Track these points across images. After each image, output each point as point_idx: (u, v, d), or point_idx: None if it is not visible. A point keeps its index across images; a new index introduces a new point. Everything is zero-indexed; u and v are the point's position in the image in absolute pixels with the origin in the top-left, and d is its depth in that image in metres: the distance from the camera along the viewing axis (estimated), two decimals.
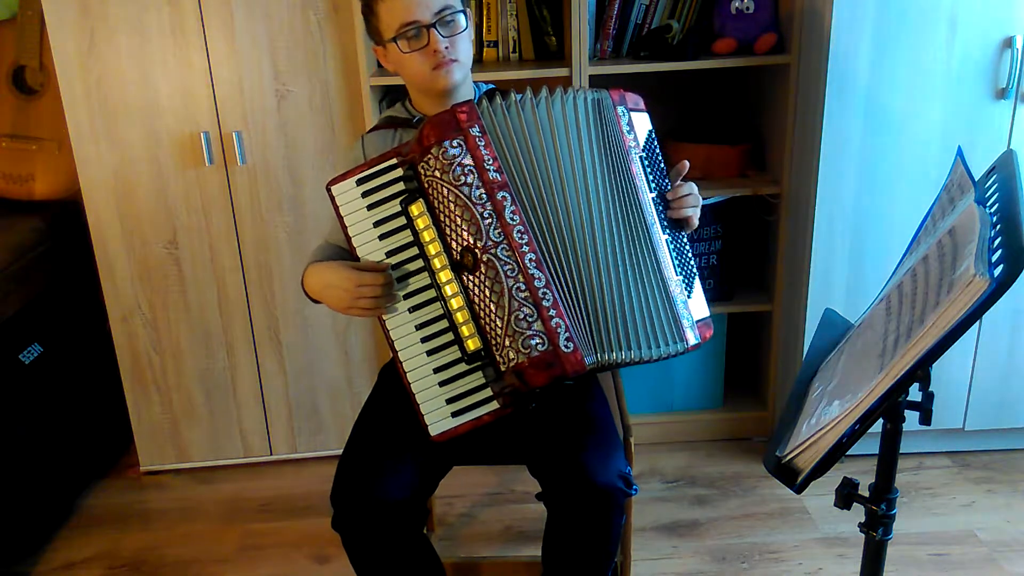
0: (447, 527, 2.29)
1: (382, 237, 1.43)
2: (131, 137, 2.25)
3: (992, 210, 1.08)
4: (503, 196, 1.38)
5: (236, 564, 2.20)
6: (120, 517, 2.40)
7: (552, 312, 1.37)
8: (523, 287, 1.37)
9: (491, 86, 1.69)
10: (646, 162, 1.50)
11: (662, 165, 1.54)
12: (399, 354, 1.43)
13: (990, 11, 2.03)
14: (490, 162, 1.39)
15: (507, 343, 1.36)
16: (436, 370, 1.43)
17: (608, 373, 1.92)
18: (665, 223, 1.50)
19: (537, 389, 1.37)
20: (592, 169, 1.44)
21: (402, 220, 1.42)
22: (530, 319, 1.36)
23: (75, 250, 2.52)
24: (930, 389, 1.12)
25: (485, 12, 2.35)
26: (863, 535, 1.23)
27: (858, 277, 2.26)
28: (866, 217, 2.21)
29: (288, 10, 2.18)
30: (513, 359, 1.36)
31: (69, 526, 2.36)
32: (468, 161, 1.38)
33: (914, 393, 1.13)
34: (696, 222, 1.55)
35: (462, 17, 1.52)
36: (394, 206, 1.42)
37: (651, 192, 1.49)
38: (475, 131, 1.39)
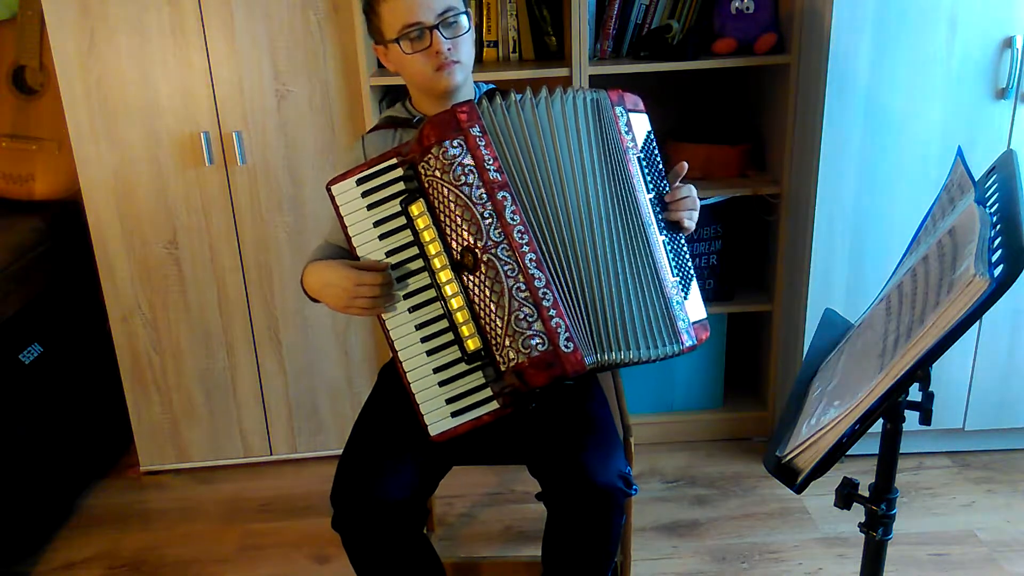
0: (447, 527, 2.29)
1: (382, 237, 1.43)
2: (131, 137, 2.25)
3: (992, 210, 1.08)
4: (503, 196, 1.38)
5: (236, 564, 2.20)
6: (120, 517, 2.40)
7: (552, 312, 1.37)
8: (523, 287, 1.37)
9: (491, 86, 1.69)
10: (644, 163, 1.50)
11: (660, 166, 1.54)
12: (399, 354, 1.43)
13: (990, 11, 2.03)
14: (490, 162, 1.39)
15: (507, 343, 1.36)
16: (436, 370, 1.43)
17: (608, 373, 1.92)
18: (662, 224, 1.50)
19: (537, 389, 1.37)
20: (591, 169, 1.44)
21: (402, 220, 1.42)
22: (530, 319, 1.36)
23: (75, 250, 2.52)
24: (930, 389, 1.12)
25: (485, 12, 2.35)
26: (863, 535, 1.23)
27: (858, 277, 2.26)
28: (866, 217, 2.21)
29: (288, 10, 2.18)
30: (513, 359, 1.36)
31: (69, 526, 2.36)
32: (468, 161, 1.38)
33: (914, 393, 1.13)
34: (692, 225, 1.54)
35: (465, 18, 1.52)
36: (394, 206, 1.42)
37: (649, 193, 1.49)
38: (475, 131, 1.39)
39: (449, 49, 1.50)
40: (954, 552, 2.11)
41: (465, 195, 1.37)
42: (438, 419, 1.43)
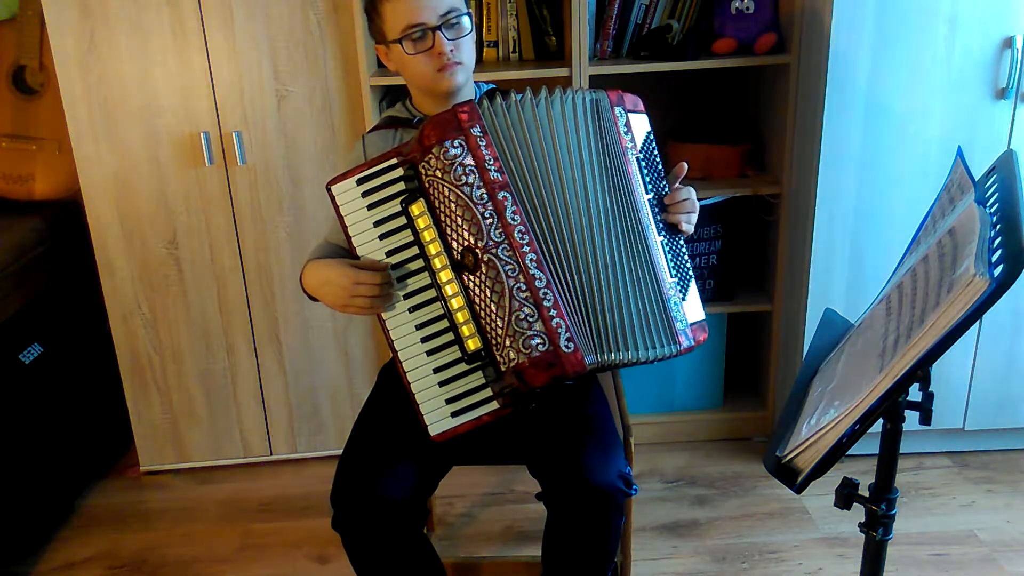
0: (447, 527, 2.29)
1: (382, 237, 1.43)
2: (131, 137, 2.25)
3: (992, 210, 1.08)
4: (504, 196, 1.38)
5: (236, 564, 2.20)
6: (120, 517, 2.40)
7: (553, 312, 1.37)
8: (524, 287, 1.37)
9: (491, 86, 1.69)
10: (643, 164, 1.49)
11: (660, 167, 1.54)
12: (399, 354, 1.43)
13: (990, 11, 2.03)
14: (491, 162, 1.39)
15: (507, 343, 1.36)
16: (436, 370, 1.43)
17: (608, 373, 1.92)
18: (661, 225, 1.50)
19: (537, 389, 1.37)
20: (590, 170, 1.43)
21: (402, 220, 1.41)
22: (531, 319, 1.36)
23: (75, 250, 2.52)
24: (930, 389, 1.12)
25: (485, 12, 2.35)
26: (863, 535, 1.23)
27: (858, 277, 2.26)
28: (866, 217, 2.21)
29: (288, 10, 2.18)
30: (513, 359, 1.36)
31: (69, 526, 2.36)
32: (469, 161, 1.38)
33: (914, 393, 1.13)
34: (691, 228, 1.54)
35: (467, 20, 1.52)
36: (394, 206, 1.42)
37: (648, 194, 1.49)
38: (476, 131, 1.39)
39: (452, 50, 1.50)
40: (954, 552, 2.11)
41: (466, 195, 1.37)
42: (438, 419, 1.43)
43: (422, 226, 1.40)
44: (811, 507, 2.29)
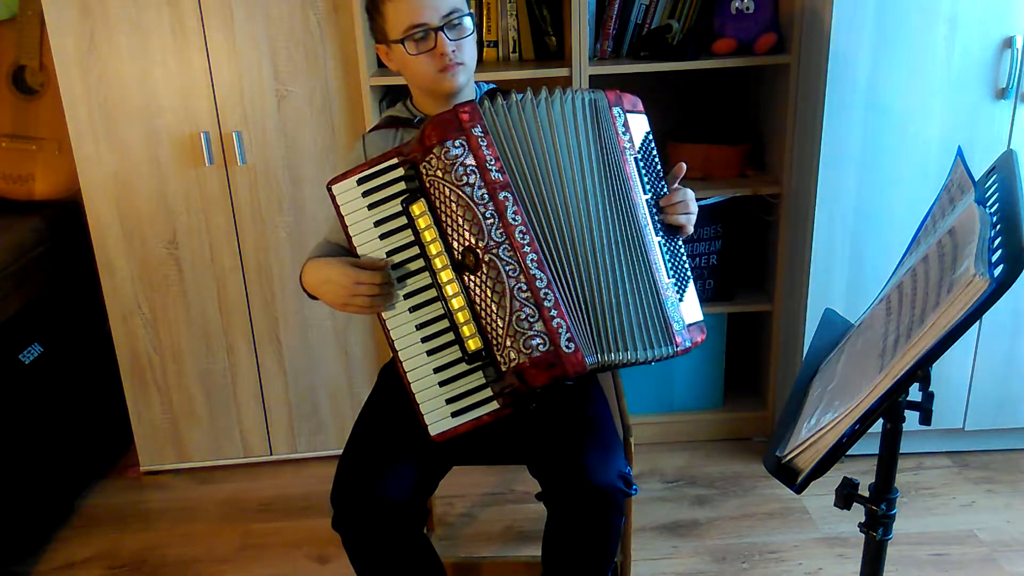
0: (447, 527, 2.29)
1: (383, 237, 1.43)
2: (131, 137, 2.25)
3: (992, 210, 1.08)
4: (505, 196, 1.38)
5: (236, 564, 2.20)
6: (120, 517, 2.40)
7: (553, 312, 1.37)
8: (525, 287, 1.37)
9: (492, 86, 1.69)
10: (641, 164, 1.49)
11: (659, 167, 1.54)
12: (399, 354, 1.43)
13: (990, 11, 2.03)
14: (492, 162, 1.39)
15: (508, 343, 1.36)
16: (436, 370, 1.43)
17: (608, 373, 1.92)
18: (659, 225, 1.50)
19: (538, 389, 1.37)
20: (589, 170, 1.43)
21: (403, 220, 1.41)
22: (531, 319, 1.36)
23: (75, 250, 2.52)
24: (930, 389, 1.12)
25: (485, 12, 2.35)
26: (863, 535, 1.23)
27: (858, 277, 2.26)
28: (866, 217, 2.21)
29: (288, 10, 2.18)
30: (514, 359, 1.36)
31: (69, 526, 2.36)
32: (470, 161, 1.38)
33: (914, 393, 1.13)
34: (690, 229, 1.54)
35: (469, 20, 1.52)
36: (395, 206, 1.42)
37: (646, 194, 1.48)
38: (477, 131, 1.39)
39: (454, 51, 1.50)
40: (954, 552, 2.11)
41: (467, 195, 1.37)
42: (438, 419, 1.43)
43: (423, 226, 1.40)
44: (811, 507, 2.29)
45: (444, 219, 1.39)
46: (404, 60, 1.53)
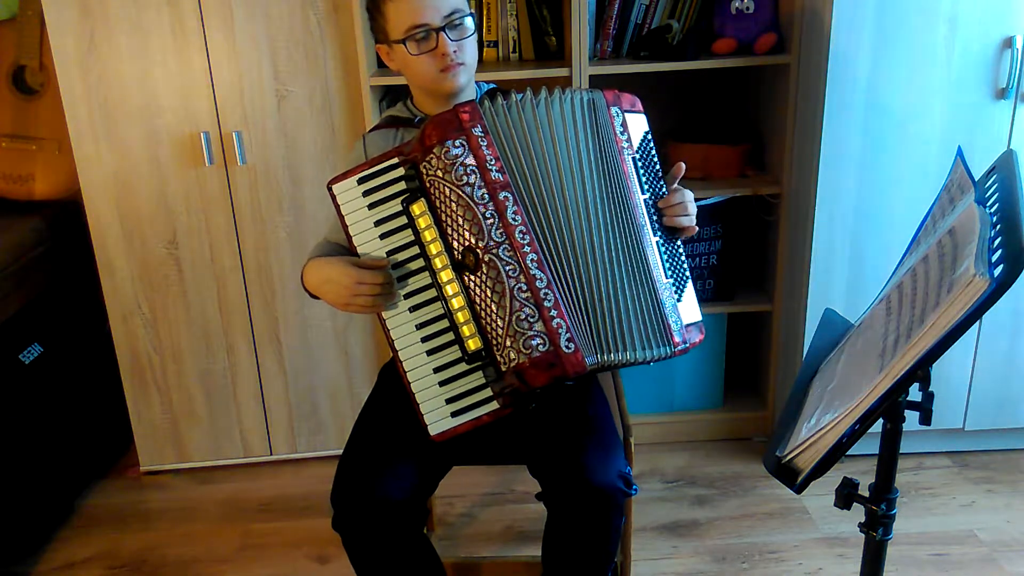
0: (447, 527, 2.29)
1: (383, 236, 1.43)
2: (131, 137, 2.25)
3: (992, 210, 1.08)
4: (505, 196, 1.38)
5: (236, 564, 2.20)
6: (120, 517, 2.40)
7: (554, 312, 1.37)
8: (525, 287, 1.37)
9: (492, 85, 1.69)
10: (640, 164, 1.49)
11: (657, 167, 1.54)
12: (399, 353, 1.43)
13: (990, 11, 2.03)
14: (492, 162, 1.39)
15: (508, 343, 1.36)
16: (436, 370, 1.43)
17: (608, 373, 1.92)
18: (657, 225, 1.49)
19: (537, 389, 1.37)
20: (588, 170, 1.43)
21: (403, 219, 1.42)
22: (531, 319, 1.36)
23: (75, 250, 2.52)
24: (930, 389, 1.12)
25: (485, 12, 2.35)
26: (863, 535, 1.23)
27: (858, 277, 2.26)
28: (866, 217, 2.21)
29: (288, 10, 2.18)
30: (514, 359, 1.36)
31: (69, 526, 2.36)
32: (471, 161, 1.38)
33: (914, 393, 1.13)
34: (693, 229, 1.54)
35: (470, 20, 1.52)
36: (395, 205, 1.42)
37: (644, 194, 1.48)
38: (477, 131, 1.39)
39: (455, 51, 1.50)
40: (954, 552, 2.11)
41: (467, 195, 1.37)
42: (438, 419, 1.43)
43: (423, 226, 1.40)
44: (811, 507, 2.29)
45: (444, 219, 1.39)
46: (405, 60, 1.53)
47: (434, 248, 1.40)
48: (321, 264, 1.48)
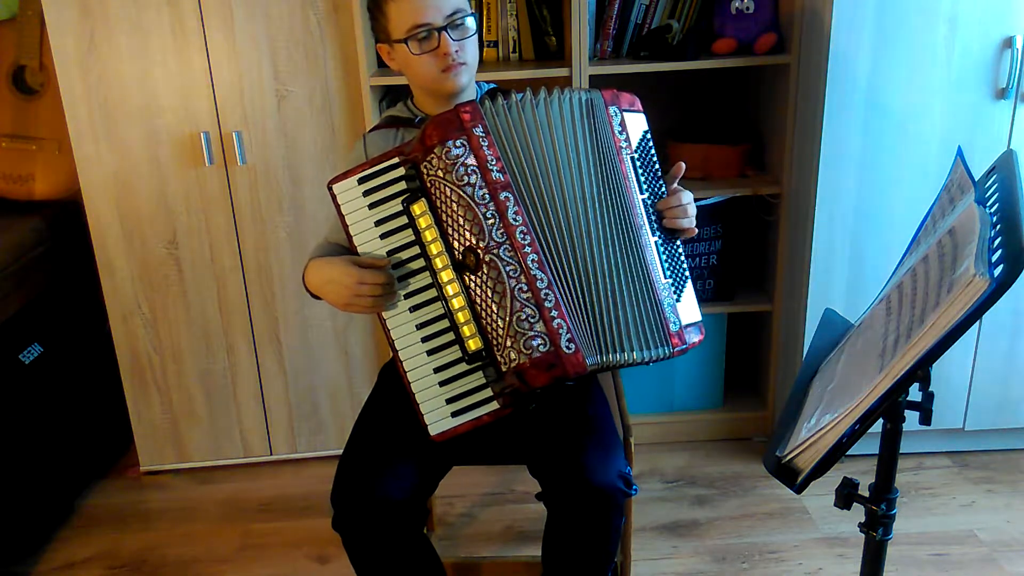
0: (447, 527, 2.29)
1: (383, 236, 1.43)
2: (131, 137, 2.25)
3: (992, 210, 1.08)
4: (506, 197, 1.38)
5: (236, 564, 2.20)
6: (120, 517, 2.40)
7: (554, 313, 1.37)
8: (525, 288, 1.37)
9: (492, 85, 1.69)
10: (638, 163, 1.49)
11: (656, 167, 1.53)
12: (399, 353, 1.43)
13: (990, 11, 2.03)
14: (493, 162, 1.39)
15: (508, 343, 1.36)
16: (436, 370, 1.43)
17: (608, 373, 1.92)
18: (655, 225, 1.49)
19: (538, 390, 1.37)
20: (586, 170, 1.43)
21: (404, 219, 1.42)
22: (532, 320, 1.36)
23: (75, 250, 2.52)
24: (930, 389, 1.12)
25: (485, 12, 2.35)
26: (863, 535, 1.23)
27: (858, 277, 2.26)
28: (866, 217, 2.21)
29: (288, 10, 2.18)
30: (514, 359, 1.36)
31: (69, 526, 2.36)
32: (471, 161, 1.38)
33: (914, 393, 1.13)
34: (694, 231, 1.53)
35: (471, 20, 1.52)
36: (396, 205, 1.42)
37: (642, 194, 1.48)
38: (478, 131, 1.39)
39: (457, 51, 1.50)
40: (954, 552, 2.11)
41: (468, 195, 1.37)
42: (438, 419, 1.43)
43: (423, 226, 1.40)
44: (811, 507, 2.29)
45: (445, 219, 1.39)
46: (407, 60, 1.53)
47: (435, 248, 1.40)
48: (322, 265, 1.48)
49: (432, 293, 1.42)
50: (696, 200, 1.57)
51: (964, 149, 1.35)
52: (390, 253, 1.43)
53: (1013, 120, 2.13)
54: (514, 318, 1.36)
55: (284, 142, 2.28)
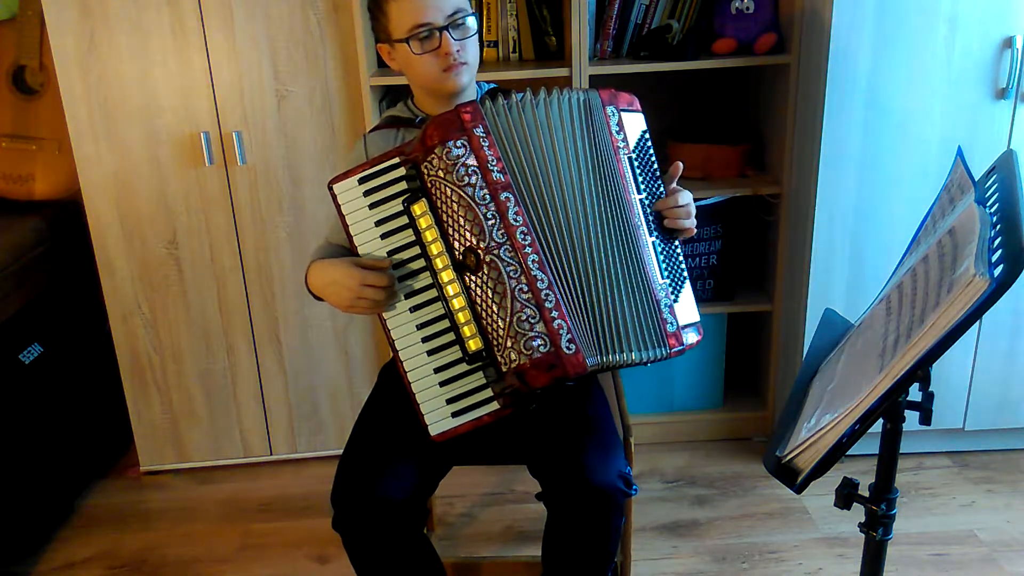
0: (447, 527, 2.29)
1: (384, 236, 1.43)
2: (131, 137, 2.25)
3: (992, 210, 1.08)
4: (507, 197, 1.38)
5: (236, 564, 2.20)
6: (120, 517, 2.40)
7: (555, 313, 1.37)
8: (526, 288, 1.37)
9: (492, 85, 1.69)
10: (636, 163, 1.49)
11: (655, 167, 1.53)
12: (399, 353, 1.43)
13: (990, 11, 2.03)
14: (494, 163, 1.39)
15: (509, 344, 1.36)
16: (437, 370, 1.43)
17: (608, 373, 1.91)
18: (653, 225, 1.49)
19: (538, 390, 1.37)
20: (585, 170, 1.43)
21: (404, 219, 1.41)
22: (532, 320, 1.36)
23: (75, 250, 2.52)
24: (930, 389, 1.12)
25: (485, 12, 2.35)
26: (863, 535, 1.23)
27: (858, 277, 2.26)
28: (866, 217, 2.21)
29: (288, 10, 2.18)
30: (515, 360, 1.36)
31: (69, 526, 2.36)
32: (472, 162, 1.38)
33: (914, 393, 1.13)
34: (692, 230, 1.53)
35: (472, 20, 1.52)
36: (396, 205, 1.42)
37: (640, 194, 1.48)
38: (479, 131, 1.39)
39: (458, 51, 1.50)
40: (954, 552, 2.11)
41: (468, 196, 1.37)
42: (438, 419, 1.43)
43: (424, 226, 1.40)
44: (811, 507, 2.29)
45: (445, 219, 1.39)
46: (408, 60, 1.53)
47: (435, 248, 1.40)
48: (324, 266, 1.48)
49: (432, 293, 1.42)
50: (696, 200, 1.57)
51: (964, 149, 1.36)
52: (390, 253, 1.43)
53: (1013, 120, 2.13)
54: (515, 318, 1.36)
55: (284, 142, 2.28)
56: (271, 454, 2.58)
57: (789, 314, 2.44)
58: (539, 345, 1.36)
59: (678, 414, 2.61)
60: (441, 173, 1.38)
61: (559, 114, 1.43)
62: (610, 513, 1.50)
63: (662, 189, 1.53)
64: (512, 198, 1.39)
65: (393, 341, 1.44)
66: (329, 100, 2.25)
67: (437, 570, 1.64)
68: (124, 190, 2.29)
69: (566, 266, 1.40)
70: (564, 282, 1.40)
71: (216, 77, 2.22)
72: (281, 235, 2.36)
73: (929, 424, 1.10)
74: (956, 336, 0.97)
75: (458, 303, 1.39)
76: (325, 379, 2.51)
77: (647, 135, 1.54)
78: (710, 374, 2.58)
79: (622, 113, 1.50)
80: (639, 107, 1.55)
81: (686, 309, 1.51)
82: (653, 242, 1.48)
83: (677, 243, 1.53)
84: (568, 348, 1.36)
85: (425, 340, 1.43)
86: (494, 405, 1.42)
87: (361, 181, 1.43)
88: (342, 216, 1.44)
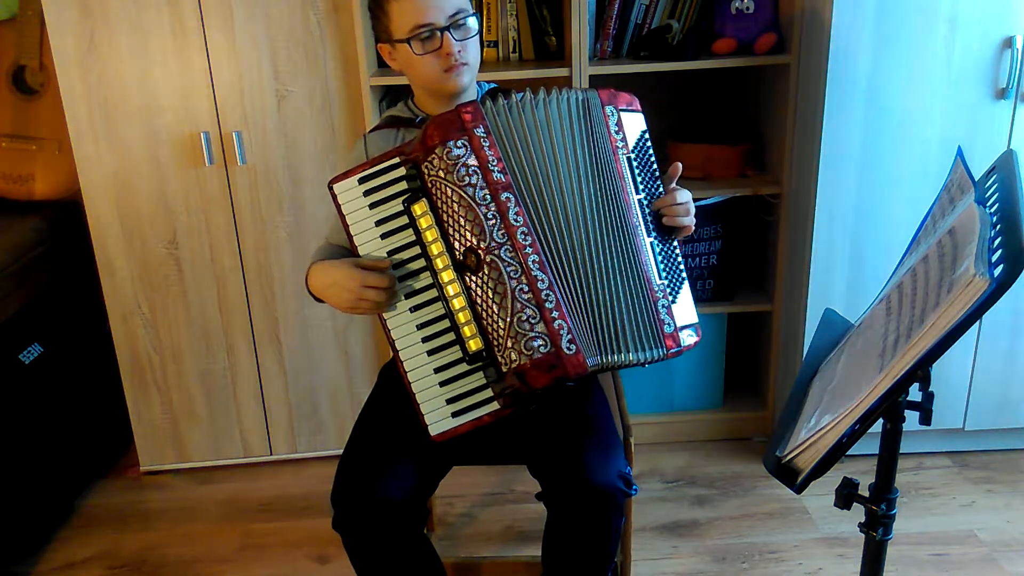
0: (447, 527, 2.29)
1: (384, 236, 1.43)
2: (131, 137, 2.25)
3: (992, 210, 1.08)
4: (507, 197, 1.38)
5: (236, 564, 2.20)
6: (120, 517, 2.40)
7: (555, 314, 1.37)
8: (526, 288, 1.37)
9: (493, 85, 1.69)
10: (635, 163, 1.49)
11: (654, 167, 1.53)
12: (400, 353, 1.43)
13: (990, 11, 2.03)
14: (494, 163, 1.39)
15: (509, 344, 1.36)
16: (437, 370, 1.43)
17: (608, 373, 1.91)
18: (651, 226, 1.49)
19: (538, 390, 1.37)
20: (583, 170, 1.43)
21: (404, 219, 1.41)
22: (532, 320, 1.36)
23: (75, 250, 2.52)
24: (930, 389, 1.12)
25: (485, 12, 2.35)
26: (863, 535, 1.23)
27: (858, 277, 2.26)
28: (866, 217, 2.21)
29: (288, 10, 2.18)
30: (515, 360, 1.36)
31: (69, 526, 2.36)
32: (472, 162, 1.38)
33: (914, 393, 1.13)
34: (690, 228, 1.53)
35: (473, 20, 1.52)
36: (396, 205, 1.42)
37: (638, 194, 1.48)
38: (480, 131, 1.39)
39: (459, 51, 1.50)
40: (954, 552, 2.11)
41: (469, 196, 1.37)
42: (439, 419, 1.43)
43: (424, 226, 1.40)
44: (811, 507, 2.29)
45: (446, 219, 1.39)
46: (409, 60, 1.53)
47: (435, 248, 1.40)
48: (325, 268, 1.48)
49: (433, 293, 1.42)
50: (696, 200, 1.57)
51: (964, 149, 1.36)
52: (391, 253, 1.43)
53: (1013, 120, 2.13)
54: (515, 319, 1.36)
55: (284, 142, 2.28)
56: (271, 454, 2.58)
57: (789, 314, 2.44)
58: (539, 345, 1.36)
59: (678, 414, 2.61)
60: (442, 173, 1.38)
61: (558, 114, 1.43)
62: (610, 513, 1.50)
63: (661, 189, 1.52)
64: (513, 198, 1.39)
65: (393, 341, 1.44)
66: (329, 100, 2.25)
67: (437, 570, 1.64)
68: (124, 190, 2.29)
69: (566, 266, 1.40)
70: (564, 282, 1.40)
71: (216, 77, 2.22)
72: (281, 235, 2.36)
73: (929, 424, 1.10)
74: (956, 336, 0.97)
75: (458, 303, 1.39)
76: (325, 379, 2.51)
77: (647, 135, 1.53)
78: (710, 374, 2.58)
79: (621, 113, 1.50)
80: (639, 107, 1.54)
81: (684, 310, 1.51)
82: (651, 243, 1.48)
83: (676, 244, 1.53)
84: (569, 348, 1.36)
85: (425, 340, 1.43)
86: (494, 405, 1.42)
87: (361, 181, 1.43)
88: (342, 216, 1.44)
